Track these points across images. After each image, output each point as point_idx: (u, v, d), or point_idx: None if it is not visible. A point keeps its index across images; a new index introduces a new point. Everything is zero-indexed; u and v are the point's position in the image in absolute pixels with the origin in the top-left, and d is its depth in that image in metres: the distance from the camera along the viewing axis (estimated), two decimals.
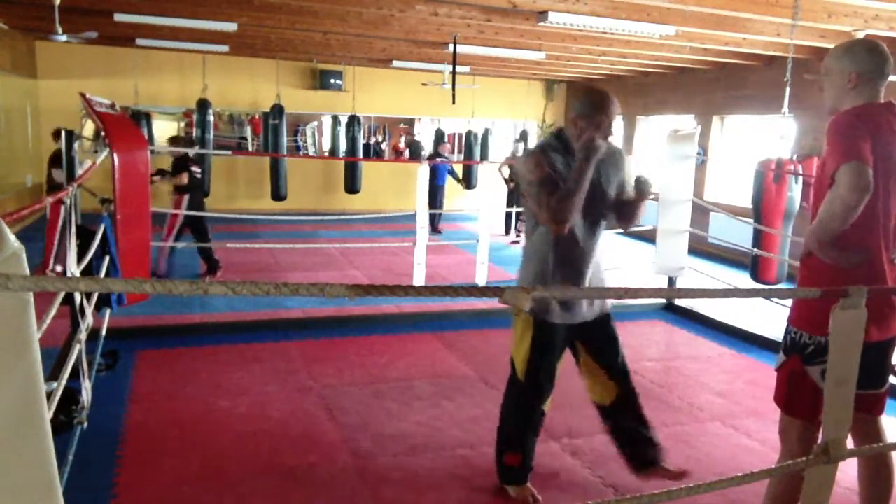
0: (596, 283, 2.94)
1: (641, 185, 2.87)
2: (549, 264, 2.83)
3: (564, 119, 14.68)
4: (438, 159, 10.91)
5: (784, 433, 2.43)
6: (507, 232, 10.88)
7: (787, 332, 2.39)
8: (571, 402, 4.05)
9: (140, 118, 10.86)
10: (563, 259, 2.82)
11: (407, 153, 13.57)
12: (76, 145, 3.85)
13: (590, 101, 2.75)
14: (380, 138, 14.21)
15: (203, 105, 10.99)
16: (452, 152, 14.16)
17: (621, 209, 2.95)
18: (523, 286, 2.72)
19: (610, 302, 3.05)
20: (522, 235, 10.42)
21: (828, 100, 2.37)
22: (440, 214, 11.21)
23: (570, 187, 2.66)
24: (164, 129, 12.49)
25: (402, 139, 14.46)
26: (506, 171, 11.15)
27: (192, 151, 7.08)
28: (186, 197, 6.86)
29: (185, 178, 6.78)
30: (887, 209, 2.28)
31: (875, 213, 2.24)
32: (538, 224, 2.84)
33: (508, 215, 10.82)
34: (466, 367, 4.69)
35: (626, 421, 3.05)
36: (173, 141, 7.96)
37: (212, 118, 11.18)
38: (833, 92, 2.33)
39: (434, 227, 10.79)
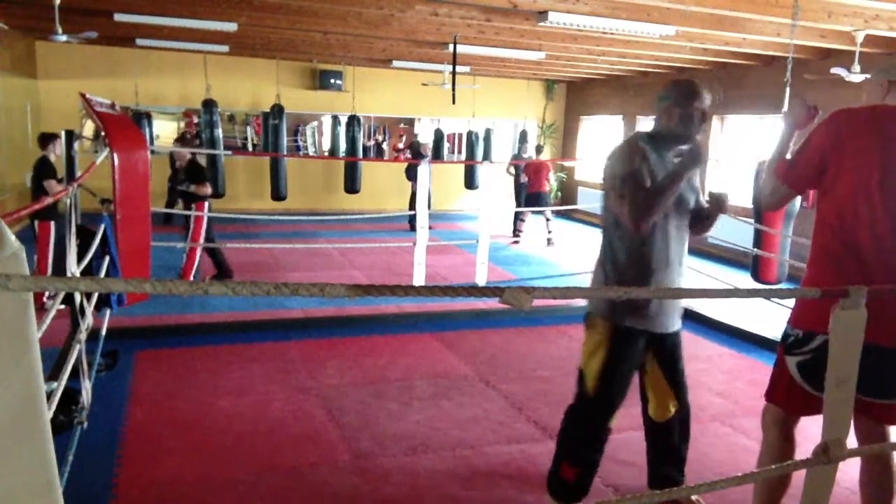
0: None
1: (718, 201, 2.70)
2: (638, 268, 2.61)
3: (564, 118, 14.68)
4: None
5: (762, 417, 2.52)
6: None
7: None
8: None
9: (141, 118, 10.84)
10: (654, 263, 2.61)
11: (409, 154, 13.52)
12: (76, 145, 3.85)
13: (682, 91, 2.60)
14: (380, 138, 14.20)
15: (209, 105, 10.96)
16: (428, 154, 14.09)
17: (696, 219, 2.78)
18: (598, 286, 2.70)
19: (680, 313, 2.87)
20: (521, 236, 10.51)
21: None
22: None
23: (663, 185, 2.47)
24: (164, 129, 12.48)
25: (403, 140, 14.43)
26: (514, 170, 11.13)
27: (194, 151, 7.04)
28: (206, 204, 6.69)
29: (209, 189, 6.62)
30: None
31: (874, 216, 2.18)
32: (620, 224, 2.60)
33: (516, 215, 10.80)
34: (466, 367, 4.69)
35: (674, 442, 2.91)
36: (184, 141, 7.85)
37: (218, 118, 11.17)
38: None
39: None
